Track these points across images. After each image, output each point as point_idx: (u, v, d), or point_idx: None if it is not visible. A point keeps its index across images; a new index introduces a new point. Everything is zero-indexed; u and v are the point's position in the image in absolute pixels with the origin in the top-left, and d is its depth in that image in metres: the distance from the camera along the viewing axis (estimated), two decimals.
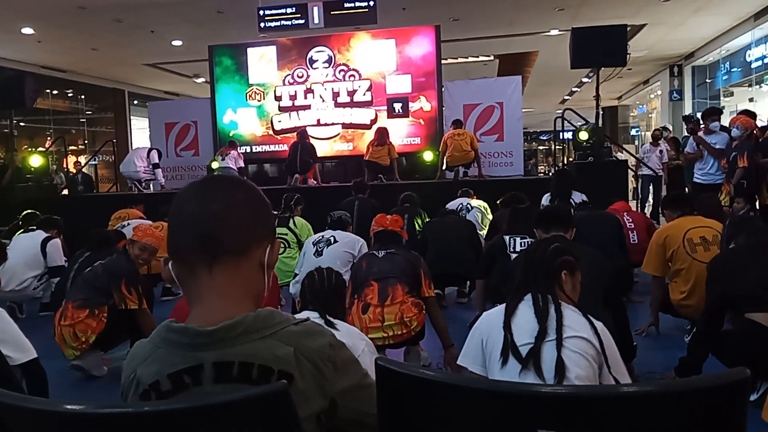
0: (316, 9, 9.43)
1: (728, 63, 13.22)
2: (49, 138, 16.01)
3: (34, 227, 5.50)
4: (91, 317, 3.63)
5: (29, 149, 13.76)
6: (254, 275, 1.03)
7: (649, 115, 19.76)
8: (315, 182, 8.87)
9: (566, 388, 0.91)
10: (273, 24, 9.64)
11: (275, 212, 5.36)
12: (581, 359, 1.84)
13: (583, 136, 7.95)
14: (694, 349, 3.12)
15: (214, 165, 9.21)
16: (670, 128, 12.60)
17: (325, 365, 0.99)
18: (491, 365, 1.95)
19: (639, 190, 10.20)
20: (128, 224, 5.92)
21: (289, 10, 9.53)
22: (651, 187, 10.01)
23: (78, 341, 3.62)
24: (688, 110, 14.91)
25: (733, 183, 6.10)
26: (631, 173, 9.52)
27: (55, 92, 16.03)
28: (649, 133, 19.48)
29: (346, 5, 9.31)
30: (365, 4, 9.23)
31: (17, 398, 0.94)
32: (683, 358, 3.14)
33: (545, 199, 6.15)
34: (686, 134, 8.91)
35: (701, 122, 7.57)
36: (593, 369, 1.86)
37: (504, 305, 2.04)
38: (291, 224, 5.34)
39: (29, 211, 6.19)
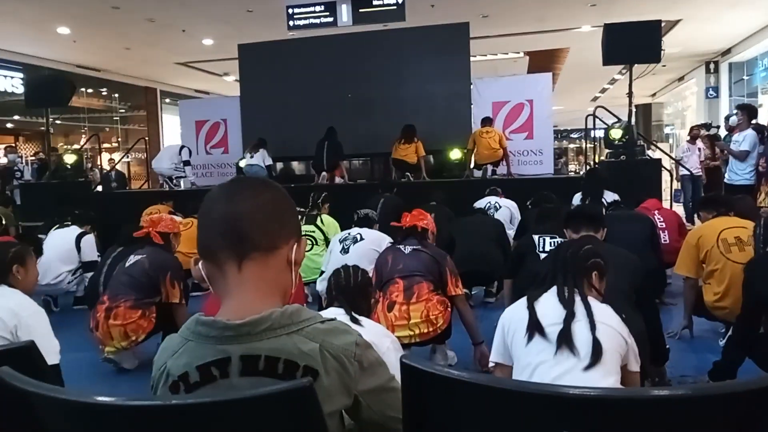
0: (344, 6, 9.46)
1: (767, 59, 12.83)
2: (83, 135, 16.40)
3: (69, 222, 5.62)
4: (143, 318, 3.68)
5: (65, 147, 14.11)
6: (282, 272, 1.05)
7: (684, 113, 19.32)
8: (342, 180, 8.89)
9: (594, 390, 0.89)
10: (302, 22, 9.70)
11: (302, 210, 5.40)
12: (610, 345, 1.86)
13: (616, 134, 7.80)
14: (730, 353, 3.05)
15: (242, 164, 9.30)
16: (715, 123, 12.05)
17: (351, 363, 1.00)
18: (515, 349, 1.98)
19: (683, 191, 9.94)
20: None
21: (317, 8, 9.58)
22: (691, 188, 9.77)
23: (128, 340, 3.68)
24: (725, 108, 14.50)
25: None
26: (668, 173, 9.30)
27: (89, 91, 16.39)
28: (684, 132, 19.09)
29: (375, 2, 9.32)
30: (394, 1, 9.22)
31: (50, 389, 0.96)
32: (718, 362, 3.07)
33: (576, 199, 6.06)
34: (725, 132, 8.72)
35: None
36: (620, 358, 1.89)
37: (525, 297, 2.08)
38: (318, 222, 5.36)
39: (64, 206, 6.34)
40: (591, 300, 1.98)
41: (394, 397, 1.03)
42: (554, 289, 2.02)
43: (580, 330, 1.87)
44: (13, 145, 13.73)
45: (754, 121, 7.05)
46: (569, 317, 1.90)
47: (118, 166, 13.86)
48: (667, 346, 3.00)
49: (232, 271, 1.01)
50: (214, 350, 0.98)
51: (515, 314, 2.05)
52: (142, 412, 0.90)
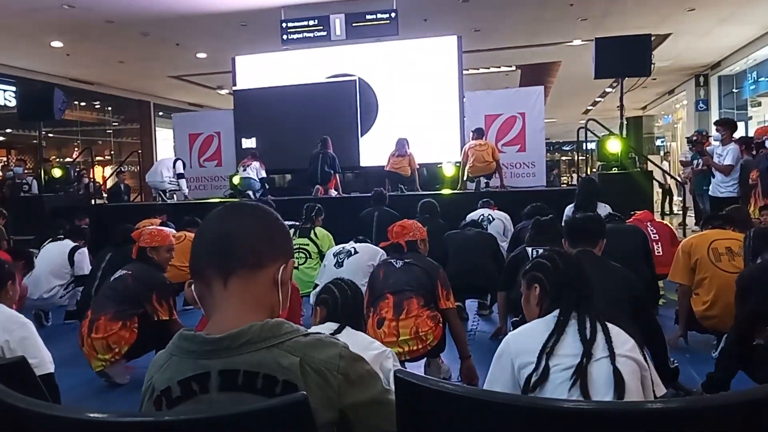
0: (338, 21, 9.53)
1: (755, 72, 12.98)
2: (76, 149, 16.36)
3: (62, 236, 5.59)
4: (124, 329, 3.66)
5: (57, 159, 14.07)
6: (268, 290, 1.06)
7: (675, 126, 19.48)
8: (336, 193, 8.89)
9: (590, 404, 0.89)
10: (295, 36, 9.76)
11: (297, 222, 5.39)
12: (631, 377, 1.77)
13: (613, 146, 7.86)
14: (723, 365, 3.05)
15: (236, 180, 9.31)
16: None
17: (334, 376, 0.98)
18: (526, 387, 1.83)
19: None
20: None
21: (311, 22, 9.65)
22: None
23: (111, 352, 3.65)
24: (715, 120, 14.62)
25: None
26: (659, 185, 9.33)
27: (82, 104, 16.39)
28: (675, 144, 19.23)
29: (368, 17, 9.40)
30: (387, 15, 9.29)
31: (42, 406, 0.95)
32: (711, 374, 3.07)
33: (569, 210, 6.07)
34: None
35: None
36: (639, 385, 1.81)
37: (532, 325, 1.95)
38: (312, 235, 5.35)
39: (57, 220, 6.32)
40: (610, 328, 1.86)
41: (389, 411, 1.02)
42: (574, 325, 1.86)
43: (597, 368, 1.76)
44: (23, 158, 13.65)
45: (738, 135, 7.15)
46: (586, 355, 1.77)
47: (110, 180, 13.81)
48: (675, 363, 2.98)
49: (218, 287, 1.03)
50: (194, 365, 0.98)
51: (524, 346, 1.87)
52: (133, 428, 0.89)
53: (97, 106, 17.18)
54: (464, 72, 10.48)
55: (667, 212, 13.10)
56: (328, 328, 2.35)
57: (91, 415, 0.90)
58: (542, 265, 2.05)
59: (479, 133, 8.71)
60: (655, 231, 5.12)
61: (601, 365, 1.76)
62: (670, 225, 5.93)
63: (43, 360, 2.47)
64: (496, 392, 1.63)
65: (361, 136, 10.33)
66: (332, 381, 0.98)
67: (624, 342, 1.85)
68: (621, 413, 0.89)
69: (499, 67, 14.69)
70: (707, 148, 7.76)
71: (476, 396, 0.91)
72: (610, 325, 1.87)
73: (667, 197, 13.28)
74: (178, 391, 0.99)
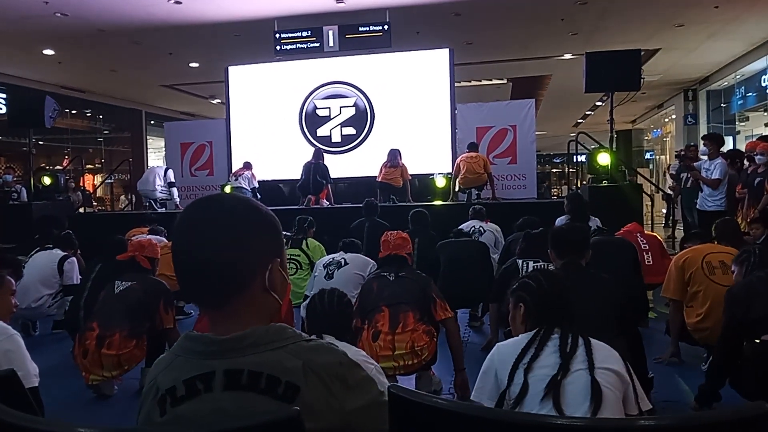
0: (331, 33, 9.58)
1: (743, 88, 13.16)
2: (66, 157, 16.25)
3: (51, 246, 5.54)
4: (137, 348, 3.63)
5: (47, 167, 13.98)
6: (262, 299, 1.05)
7: (664, 139, 19.68)
8: (328, 203, 8.89)
9: (582, 421, 0.89)
10: (288, 47, 9.80)
11: (288, 233, 5.38)
12: (609, 391, 1.80)
13: (603, 159, 7.91)
14: (713, 376, 3.09)
15: (227, 189, 9.28)
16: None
17: (333, 382, 0.99)
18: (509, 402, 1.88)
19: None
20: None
21: (304, 34, 9.69)
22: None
23: (119, 369, 3.61)
24: (703, 134, 14.79)
25: (759, 209, 6.12)
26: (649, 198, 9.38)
27: (73, 112, 16.31)
28: (663, 157, 19.40)
29: (361, 29, 9.45)
30: (380, 28, 9.35)
31: (30, 420, 0.94)
32: (702, 386, 3.10)
33: (560, 222, 6.10)
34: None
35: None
36: (619, 398, 1.83)
37: (519, 339, 1.99)
38: (304, 246, 5.34)
39: (47, 229, 6.26)
40: (594, 343, 1.90)
41: (386, 412, 1.03)
42: (555, 340, 1.92)
43: (572, 381, 1.80)
44: (11, 166, 13.54)
45: (726, 149, 7.23)
46: (563, 369, 1.82)
47: (100, 189, 13.77)
48: (651, 375, 3.01)
49: (213, 313, 1.04)
50: (200, 365, 1.00)
51: (508, 358, 1.92)
52: None
53: (89, 114, 17.10)
54: (456, 84, 10.54)
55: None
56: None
57: (81, 430, 0.89)
58: (527, 286, 2.14)
59: (473, 148, 8.76)
60: (645, 241, 5.20)
61: (579, 376, 1.81)
62: (659, 236, 6.00)
63: (28, 373, 2.42)
64: (490, 408, 1.64)
65: (354, 147, 10.37)
66: (332, 386, 0.99)
67: (606, 357, 1.89)
68: (614, 430, 0.89)
69: (491, 80, 14.80)
70: (695, 164, 7.84)
71: (469, 412, 0.92)
72: (594, 341, 1.92)
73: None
74: (182, 390, 0.99)
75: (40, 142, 14.75)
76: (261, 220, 1.05)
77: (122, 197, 14.98)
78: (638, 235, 5.29)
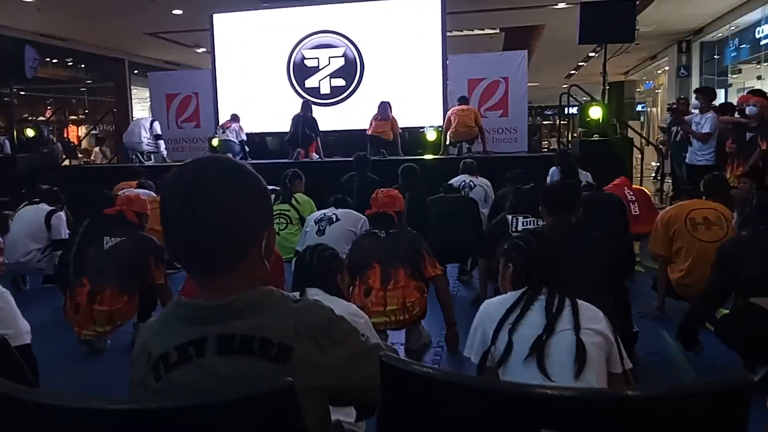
0: None
1: (737, 40, 13.00)
2: (49, 108, 15.90)
3: (38, 200, 5.48)
4: (129, 303, 3.64)
5: (30, 118, 13.68)
6: (256, 266, 1.05)
7: (656, 91, 19.54)
8: (318, 156, 8.82)
9: (570, 390, 0.91)
10: None
11: (275, 187, 5.33)
12: (593, 351, 1.83)
13: (595, 113, 7.86)
14: (689, 324, 3.21)
15: (215, 142, 9.16)
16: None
17: (324, 339, 1.02)
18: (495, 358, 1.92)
19: None
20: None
21: None
22: None
23: (112, 324, 3.62)
24: (695, 87, 14.70)
25: (750, 164, 6.12)
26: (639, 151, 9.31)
27: (54, 61, 15.85)
28: (655, 109, 19.31)
29: None
30: None
31: (22, 391, 0.94)
32: (681, 324, 3.24)
33: (554, 174, 6.10)
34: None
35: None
36: (603, 358, 1.87)
37: (507, 296, 2.02)
38: (293, 200, 5.32)
39: (34, 183, 6.18)
40: (580, 304, 1.92)
41: (370, 362, 1.03)
42: (542, 301, 1.94)
43: (561, 340, 1.83)
44: None
45: (717, 103, 7.19)
46: (548, 329, 1.84)
47: (84, 140, 13.53)
48: (636, 329, 3.08)
49: (206, 279, 1.03)
50: (191, 330, 1.00)
51: (495, 316, 1.95)
52: (123, 415, 0.89)
53: (70, 64, 16.63)
54: (448, 34, 10.31)
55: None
56: (313, 294, 2.34)
57: (72, 402, 0.89)
58: (517, 247, 2.15)
59: (464, 101, 8.66)
60: (632, 193, 5.29)
61: (565, 336, 1.84)
62: (647, 190, 6.07)
63: (19, 331, 2.43)
64: (480, 378, 1.67)
65: (343, 99, 10.20)
66: (323, 344, 1.01)
67: (592, 317, 1.92)
68: (601, 399, 0.91)
69: (483, 29, 14.50)
70: (686, 117, 7.80)
71: (460, 382, 0.93)
72: (580, 302, 1.95)
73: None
74: (175, 356, 1.00)
75: (22, 93, 14.39)
76: (261, 187, 1.05)
77: (96, 150, 14.18)
78: (626, 188, 5.36)
